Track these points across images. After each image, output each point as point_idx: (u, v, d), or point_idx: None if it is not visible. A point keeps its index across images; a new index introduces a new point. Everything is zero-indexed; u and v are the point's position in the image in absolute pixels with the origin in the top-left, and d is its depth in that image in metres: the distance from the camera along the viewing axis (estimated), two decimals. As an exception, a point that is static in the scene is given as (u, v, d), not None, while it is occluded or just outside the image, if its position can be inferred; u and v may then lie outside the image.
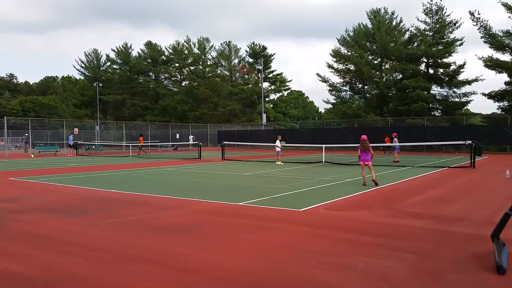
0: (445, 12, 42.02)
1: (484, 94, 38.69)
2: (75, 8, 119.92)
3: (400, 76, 44.96)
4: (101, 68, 70.66)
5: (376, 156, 27.06)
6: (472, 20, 37.47)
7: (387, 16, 48.37)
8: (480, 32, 37.65)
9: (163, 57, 66.16)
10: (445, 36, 42.21)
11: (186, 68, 65.51)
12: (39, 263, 4.67)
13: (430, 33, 42.77)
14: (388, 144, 27.98)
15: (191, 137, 43.18)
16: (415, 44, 44.39)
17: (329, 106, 54.15)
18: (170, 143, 42.73)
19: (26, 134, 37.44)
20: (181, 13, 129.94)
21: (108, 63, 69.51)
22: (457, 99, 42.60)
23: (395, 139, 21.73)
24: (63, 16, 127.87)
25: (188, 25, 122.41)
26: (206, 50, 65.53)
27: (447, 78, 42.72)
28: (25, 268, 4.46)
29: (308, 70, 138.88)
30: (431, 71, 43.56)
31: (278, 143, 21.21)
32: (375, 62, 48.71)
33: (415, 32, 44.36)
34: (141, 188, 11.14)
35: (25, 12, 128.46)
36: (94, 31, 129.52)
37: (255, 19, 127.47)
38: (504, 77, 37.65)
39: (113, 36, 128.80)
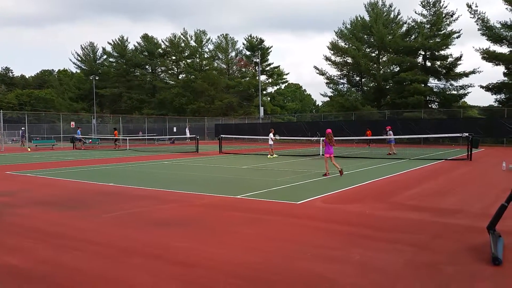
0: (442, 4, 42.00)
1: (481, 87, 38.78)
2: (72, 1, 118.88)
3: (398, 68, 44.97)
4: (98, 62, 70.32)
5: (362, 149, 27.13)
6: (470, 12, 37.46)
7: (384, 9, 48.22)
8: (477, 24, 37.66)
9: (159, 50, 65.82)
10: (442, 29, 42.20)
11: (183, 61, 65.19)
12: (37, 256, 4.68)
13: (428, 26, 42.71)
14: (370, 137, 28.20)
15: (187, 129, 43.11)
16: (413, 36, 44.36)
17: (326, 99, 54.19)
18: (167, 137, 42.64)
19: (22, 128, 37.29)
20: (178, 6, 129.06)
21: (105, 56, 69.16)
22: (454, 92, 42.68)
23: (390, 132, 21.72)
24: (59, 9, 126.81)
25: (185, 18, 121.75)
26: (203, 43, 65.20)
27: (444, 71, 42.77)
28: (23, 262, 4.46)
29: (305, 63, 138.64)
30: (428, 63, 43.60)
31: (271, 135, 21.27)
32: (373, 54, 48.64)
33: (412, 24, 44.35)
34: (138, 181, 11.14)
35: (22, 5, 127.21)
36: (91, 24, 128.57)
37: (252, 11, 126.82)
38: (502, 69, 37.76)
39: (110, 29, 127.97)
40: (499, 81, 37.79)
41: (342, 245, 5.02)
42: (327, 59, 49.85)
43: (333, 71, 62.78)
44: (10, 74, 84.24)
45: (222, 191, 9.22)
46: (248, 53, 64.32)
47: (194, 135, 28.02)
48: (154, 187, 10.04)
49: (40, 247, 5.05)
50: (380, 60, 48.09)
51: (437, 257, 4.51)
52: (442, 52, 42.34)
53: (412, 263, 4.33)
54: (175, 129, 46.56)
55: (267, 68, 63.91)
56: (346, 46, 48.97)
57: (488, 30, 37.14)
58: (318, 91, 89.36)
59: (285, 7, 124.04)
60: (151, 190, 9.57)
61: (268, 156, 20.23)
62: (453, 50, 62.79)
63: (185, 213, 7.04)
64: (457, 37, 41.86)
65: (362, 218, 6.57)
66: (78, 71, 73.10)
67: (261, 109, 47.00)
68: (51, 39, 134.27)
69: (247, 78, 62.36)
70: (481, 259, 4.38)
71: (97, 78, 60.43)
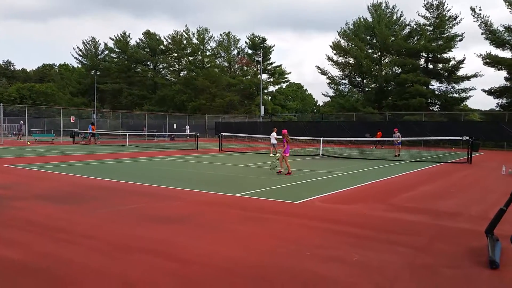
0: (446, 7, 41.91)
1: (484, 91, 38.75)
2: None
3: (399, 70, 44.91)
4: (99, 57, 70.21)
5: (363, 150, 27.13)
6: (473, 16, 37.37)
7: (388, 10, 48.15)
8: (480, 28, 37.58)
9: (161, 46, 65.72)
10: (445, 31, 42.11)
11: (185, 58, 65.10)
12: (34, 250, 4.67)
13: (431, 28, 42.64)
14: (381, 138, 28.13)
15: (187, 127, 43.17)
16: (415, 38, 44.25)
17: (328, 99, 54.16)
18: (167, 133, 42.63)
19: (21, 122, 37.21)
20: (180, 3, 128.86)
21: (106, 52, 69.05)
22: (456, 95, 42.63)
23: (399, 134, 21.68)
24: (62, 3, 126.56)
25: (188, 15, 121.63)
26: (205, 40, 65.11)
27: (446, 74, 42.71)
28: (20, 255, 4.46)
29: (308, 62, 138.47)
30: (430, 66, 43.52)
31: (274, 134, 21.29)
32: (375, 55, 48.58)
33: (415, 26, 44.21)
34: (137, 177, 11.13)
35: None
36: (93, 19, 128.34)
37: (255, 10, 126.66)
38: (504, 74, 37.69)
39: (112, 24, 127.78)
40: (501, 85, 37.76)
41: (340, 245, 5.01)
42: (329, 59, 49.83)
43: (335, 71, 62.71)
44: (12, 67, 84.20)
45: (221, 189, 9.21)
46: (250, 51, 64.25)
47: (194, 133, 28.01)
48: (152, 183, 10.03)
49: (38, 241, 5.05)
50: (382, 61, 48.04)
51: (435, 260, 4.50)
52: (444, 55, 42.29)
53: (411, 265, 4.33)
54: (175, 126, 46.56)
55: (269, 67, 63.86)
56: (349, 47, 48.91)
57: (491, 34, 37.06)
58: (320, 91, 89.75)
59: (288, 6, 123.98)
60: (149, 187, 9.56)
61: (271, 155, 20.21)
62: (455, 53, 62.60)
63: (183, 210, 7.03)
64: (460, 40, 41.81)
65: (360, 218, 6.56)
66: (79, 66, 73.04)
67: (262, 107, 46.96)
68: (53, 33, 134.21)
69: (249, 77, 62.30)
70: (478, 262, 4.38)
71: (98, 73, 60.36)
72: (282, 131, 12.94)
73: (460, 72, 42.06)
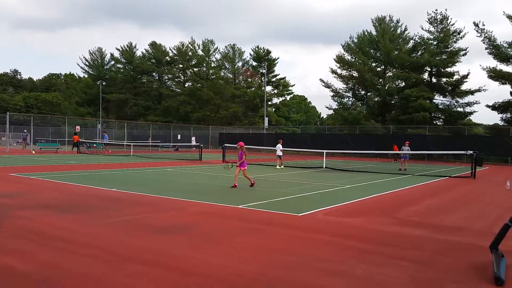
0: (449, 22, 42.12)
1: (488, 106, 38.64)
2: (83, 7, 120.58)
3: (403, 84, 44.96)
4: (105, 67, 70.96)
5: (368, 163, 27.03)
6: (477, 31, 37.54)
7: (392, 24, 48.44)
8: (484, 43, 37.71)
9: (167, 57, 66.36)
10: (449, 46, 42.25)
11: (190, 70, 65.64)
12: (37, 259, 4.68)
13: (434, 42, 42.82)
14: (397, 151, 27.91)
15: (193, 138, 43.43)
16: (419, 52, 44.43)
17: (331, 112, 54.20)
18: (171, 144, 42.74)
19: (25, 131, 37.49)
20: (186, 15, 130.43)
21: (112, 62, 69.78)
22: (460, 109, 42.57)
23: (408, 148, 21.55)
24: (69, 14, 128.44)
25: (193, 26, 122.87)
26: (211, 52, 65.70)
27: (450, 88, 42.71)
28: (23, 264, 4.47)
29: (312, 75, 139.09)
30: (434, 80, 43.57)
31: (280, 146, 21.49)
32: (378, 69, 48.74)
33: (419, 40, 44.41)
34: (141, 188, 11.15)
35: (32, 9, 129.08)
36: (100, 30, 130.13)
37: (260, 22, 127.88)
38: (508, 88, 37.67)
39: (119, 35, 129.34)
40: (505, 100, 37.68)
41: (343, 259, 4.98)
42: (334, 72, 50.05)
43: (339, 84, 62.85)
44: (18, 76, 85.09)
45: (223, 200, 9.21)
46: (254, 63, 64.68)
47: (198, 143, 28.10)
48: (156, 194, 10.04)
49: (41, 250, 5.06)
50: (386, 75, 48.18)
51: (439, 275, 4.46)
52: (448, 69, 42.34)
53: (414, 280, 4.29)
54: (179, 137, 46.71)
55: (273, 79, 64.19)
56: (352, 60, 49.16)
57: (495, 49, 37.16)
58: (324, 104, 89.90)
59: (292, 19, 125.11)
60: (152, 197, 9.58)
61: (277, 167, 20.35)
62: (459, 68, 62.48)
63: (186, 221, 7.03)
64: (464, 55, 41.91)
65: (364, 232, 6.53)
66: (85, 75, 73.80)
67: (266, 119, 47.02)
68: (60, 43, 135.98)
69: (253, 88, 62.62)
70: (483, 278, 4.34)
71: (104, 83, 60.93)
72: (238, 144, 12.24)
73: (464, 86, 42.07)
